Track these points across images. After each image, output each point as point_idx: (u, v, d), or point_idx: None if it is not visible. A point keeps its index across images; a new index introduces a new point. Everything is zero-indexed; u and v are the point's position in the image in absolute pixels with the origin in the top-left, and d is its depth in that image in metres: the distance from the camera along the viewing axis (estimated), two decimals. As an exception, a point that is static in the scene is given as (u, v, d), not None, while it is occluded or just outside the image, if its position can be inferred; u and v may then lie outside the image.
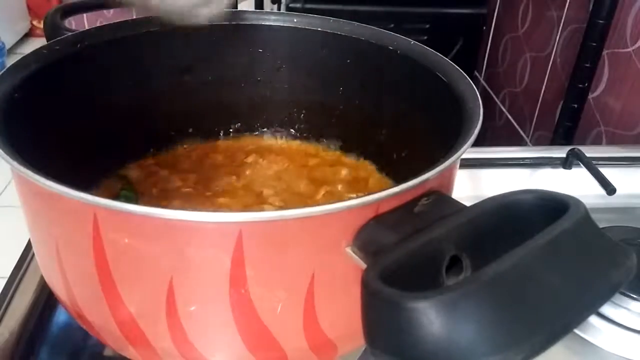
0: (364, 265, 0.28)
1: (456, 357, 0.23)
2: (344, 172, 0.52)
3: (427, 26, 1.08)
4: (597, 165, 0.60)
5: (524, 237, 0.26)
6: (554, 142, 0.91)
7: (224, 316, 0.31)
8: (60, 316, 0.47)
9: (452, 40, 1.09)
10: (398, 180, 0.49)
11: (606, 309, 0.47)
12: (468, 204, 0.30)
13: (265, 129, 0.56)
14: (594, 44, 0.81)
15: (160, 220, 0.28)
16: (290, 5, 1.05)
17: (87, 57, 0.44)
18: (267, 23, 0.50)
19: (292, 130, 0.55)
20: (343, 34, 0.49)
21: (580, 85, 0.85)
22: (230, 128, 0.55)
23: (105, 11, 1.75)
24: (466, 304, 0.23)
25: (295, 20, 0.50)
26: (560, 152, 0.65)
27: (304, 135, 0.55)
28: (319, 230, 0.29)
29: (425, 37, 1.07)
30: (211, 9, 0.37)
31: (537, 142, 1.03)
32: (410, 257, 0.27)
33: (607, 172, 0.59)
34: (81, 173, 0.45)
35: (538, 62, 1.03)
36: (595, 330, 0.47)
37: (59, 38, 0.43)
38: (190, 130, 0.54)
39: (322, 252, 0.30)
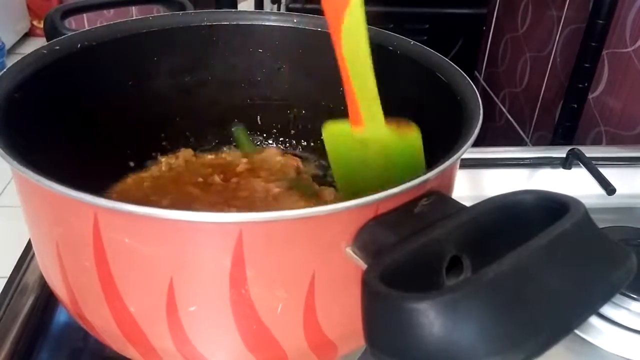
0: (364, 266, 0.28)
1: (456, 357, 0.23)
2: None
3: (427, 26, 1.08)
4: (597, 165, 0.60)
5: (524, 238, 0.26)
6: (553, 142, 0.91)
7: (224, 316, 0.31)
8: (60, 316, 0.47)
9: (452, 40, 1.09)
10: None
11: (606, 309, 0.47)
12: (468, 204, 0.30)
13: (264, 129, 0.56)
14: (594, 44, 0.81)
15: (160, 221, 0.28)
16: (290, 5, 1.05)
17: (87, 57, 0.44)
18: (267, 23, 0.50)
19: (292, 130, 0.55)
20: (343, 34, 0.49)
21: (580, 85, 0.85)
22: (230, 128, 0.55)
23: (105, 11, 1.76)
24: (466, 305, 0.23)
25: (295, 20, 0.50)
26: (560, 152, 0.65)
27: (304, 135, 0.55)
28: (319, 230, 0.29)
29: (425, 37, 1.07)
30: None
31: (537, 142, 1.03)
32: (411, 258, 0.27)
33: (607, 172, 0.59)
34: (81, 173, 0.45)
35: (538, 62, 1.03)
36: (596, 331, 0.47)
37: (59, 38, 0.43)
38: (190, 130, 0.54)
39: (322, 253, 0.30)
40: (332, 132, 0.39)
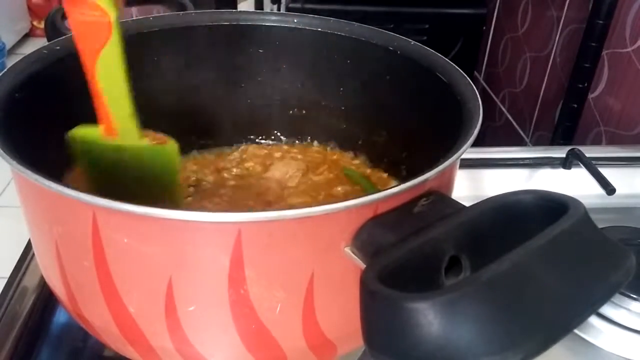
0: (363, 266, 0.28)
1: (455, 357, 0.23)
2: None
3: (427, 26, 1.08)
4: (596, 165, 0.60)
5: (524, 238, 0.26)
6: (553, 142, 0.91)
7: (223, 316, 0.31)
8: (60, 316, 0.47)
9: (452, 40, 1.09)
10: (398, 181, 0.50)
11: (606, 309, 0.47)
12: (468, 204, 0.30)
13: (264, 129, 0.56)
14: (594, 44, 0.81)
15: (159, 220, 0.28)
16: (290, 5, 1.05)
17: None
18: (267, 23, 0.50)
19: (292, 130, 0.55)
20: (343, 34, 0.49)
21: (580, 85, 0.85)
22: (230, 128, 0.55)
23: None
24: (465, 305, 0.23)
25: (295, 20, 0.50)
26: (560, 152, 0.65)
27: (304, 135, 0.55)
28: (318, 230, 0.29)
29: (425, 37, 1.07)
30: None
31: (537, 142, 1.03)
32: (409, 258, 0.27)
33: (606, 172, 0.59)
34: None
35: (538, 62, 1.03)
36: (595, 331, 0.47)
37: (59, 38, 0.43)
38: (190, 129, 0.54)
39: (321, 252, 0.30)
40: (82, 138, 0.38)
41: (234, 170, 0.52)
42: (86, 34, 0.29)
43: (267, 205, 0.48)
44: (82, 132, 0.37)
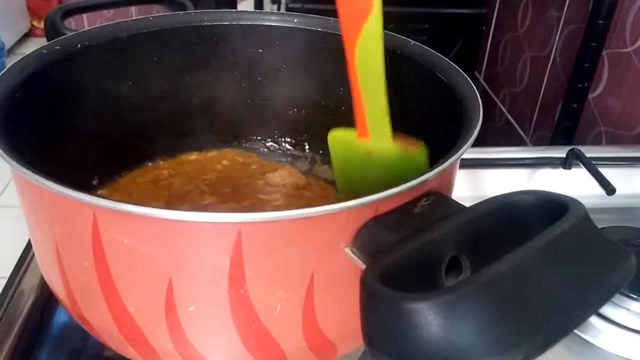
0: (363, 266, 0.28)
1: (455, 358, 0.23)
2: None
3: (427, 26, 1.08)
4: (596, 166, 0.60)
5: (524, 238, 0.26)
6: (553, 142, 0.91)
7: (223, 316, 0.31)
8: (60, 316, 0.47)
9: (452, 40, 1.10)
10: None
11: (606, 309, 0.47)
12: (468, 204, 0.30)
13: (264, 129, 0.56)
14: (594, 44, 0.81)
15: (159, 221, 0.28)
16: (290, 5, 1.05)
17: (87, 57, 0.44)
18: (267, 23, 0.50)
19: (291, 130, 0.55)
20: (343, 34, 0.49)
21: (580, 85, 0.85)
22: (229, 128, 0.55)
23: (105, 11, 1.76)
24: (465, 305, 0.23)
25: (295, 20, 0.50)
26: (560, 152, 0.65)
27: (303, 135, 0.55)
28: (318, 230, 0.29)
29: (425, 37, 1.07)
30: None
31: (537, 142, 1.03)
32: (410, 258, 0.27)
33: (606, 172, 0.59)
34: (81, 173, 0.45)
35: (538, 62, 1.03)
36: (596, 331, 0.47)
37: (59, 38, 0.43)
38: (190, 129, 0.54)
39: (321, 253, 0.30)
40: (338, 138, 0.40)
41: (225, 164, 0.53)
42: (349, 8, 0.27)
43: (243, 198, 0.48)
44: (338, 133, 0.39)
